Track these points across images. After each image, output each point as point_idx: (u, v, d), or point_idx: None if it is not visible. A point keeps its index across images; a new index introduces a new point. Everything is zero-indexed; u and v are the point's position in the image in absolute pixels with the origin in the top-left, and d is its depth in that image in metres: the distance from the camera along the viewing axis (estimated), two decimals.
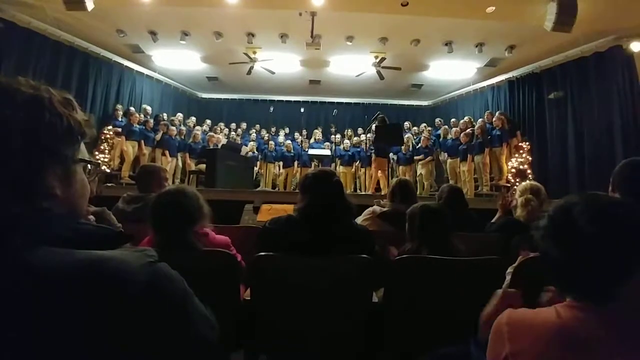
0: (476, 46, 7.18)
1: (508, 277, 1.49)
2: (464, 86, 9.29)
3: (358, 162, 8.24)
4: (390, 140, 6.26)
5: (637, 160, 1.54)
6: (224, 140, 7.79)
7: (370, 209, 2.41)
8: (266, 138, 9.17)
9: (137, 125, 7.24)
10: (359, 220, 2.30)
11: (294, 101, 10.53)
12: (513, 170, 6.74)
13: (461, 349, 1.01)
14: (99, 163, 5.39)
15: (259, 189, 7.68)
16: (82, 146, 0.58)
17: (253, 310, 1.49)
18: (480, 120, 7.46)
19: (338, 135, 9.04)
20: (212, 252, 1.51)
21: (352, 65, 8.22)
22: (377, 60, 7.77)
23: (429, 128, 8.29)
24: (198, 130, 8.24)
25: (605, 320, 0.65)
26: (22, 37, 6.21)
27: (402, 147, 7.49)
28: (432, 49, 7.43)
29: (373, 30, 6.84)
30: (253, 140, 8.76)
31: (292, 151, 8.54)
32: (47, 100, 0.51)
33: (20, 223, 0.45)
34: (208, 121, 9.27)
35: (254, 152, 8.25)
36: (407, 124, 8.71)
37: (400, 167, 7.81)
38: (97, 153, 6.61)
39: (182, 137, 7.88)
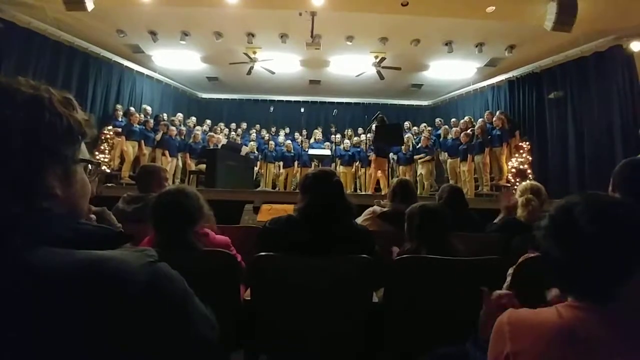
0: (476, 46, 7.18)
1: (509, 278, 1.49)
2: (464, 86, 9.29)
3: (358, 162, 8.24)
4: (390, 140, 6.26)
5: (637, 160, 1.54)
6: (224, 141, 7.79)
7: (371, 209, 2.41)
8: (266, 138, 9.18)
9: (137, 126, 7.24)
10: (359, 220, 2.30)
11: (294, 101, 10.53)
12: (513, 170, 6.74)
13: (461, 349, 1.01)
14: (100, 163, 5.41)
15: (259, 189, 7.68)
16: (83, 146, 0.58)
17: (253, 310, 1.49)
18: (480, 120, 7.46)
19: (338, 135, 9.04)
20: (213, 252, 1.51)
21: (352, 65, 8.22)
22: (377, 60, 7.77)
23: (429, 128, 8.29)
24: (198, 131, 8.25)
25: (606, 320, 0.65)
26: (22, 37, 6.22)
27: (403, 147, 7.49)
28: (432, 49, 7.43)
29: (373, 30, 6.84)
30: (253, 140, 8.76)
31: (292, 151, 8.54)
32: (47, 100, 0.51)
33: (20, 223, 0.45)
34: (208, 121, 9.28)
35: (254, 152, 8.26)
36: (407, 123, 8.71)
37: (401, 167, 7.81)
38: (97, 153, 6.62)
39: (182, 137, 7.88)
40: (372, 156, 6.99)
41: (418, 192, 5.82)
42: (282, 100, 10.65)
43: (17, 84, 0.50)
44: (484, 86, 8.76)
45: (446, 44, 7.17)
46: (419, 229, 1.67)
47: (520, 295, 0.94)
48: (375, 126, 6.26)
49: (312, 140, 8.96)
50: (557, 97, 7.19)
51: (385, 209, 2.37)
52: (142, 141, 7.21)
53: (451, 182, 6.80)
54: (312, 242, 1.47)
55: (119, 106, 7.55)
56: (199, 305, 0.56)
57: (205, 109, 10.59)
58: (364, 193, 6.84)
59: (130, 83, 8.39)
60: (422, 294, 1.51)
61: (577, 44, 6.52)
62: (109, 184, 6.07)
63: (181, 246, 1.43)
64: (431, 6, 5.86)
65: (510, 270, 1.54)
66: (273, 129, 9.72)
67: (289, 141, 8.77)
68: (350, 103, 10.72)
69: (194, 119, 9.03)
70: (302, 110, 8.68)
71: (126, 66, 8.22)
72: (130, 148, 7.11)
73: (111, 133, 7.04)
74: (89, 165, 0.60)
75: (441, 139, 7.85)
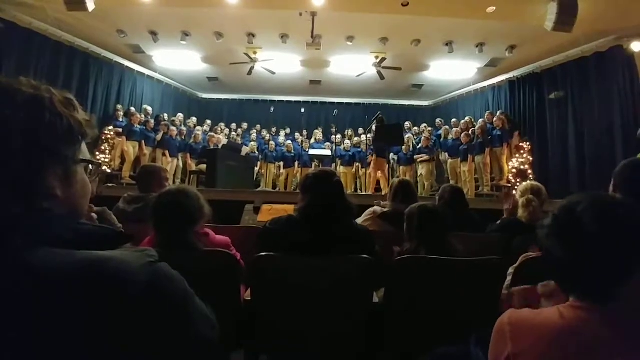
0: (477, 46, 7.17)
1: (509, 278, 1.49)
2: (464, 86, 9.29)
3: (359, 163, 8.24)
4: (391, 141, 6.26)
5: (637, 161, 1.55)
6: (224, 141, 7.79)
7: (371, 209, 2.41)
8: (267, 138, 9.18)
9: (138, 126, 7.25)
10: (360, 220, 2.30)
11: (295, 101, 10.52)
12: (514, 170, 6.73)
13: (461, 349, 1.01)
14: (100, 163, 5.41)
15: (259, 189, 7.68)
16: (84, 146, 0.58)
17: (253, 310, 1.49)
18: (480, 120, 7.46)
19: (339, 136, 9.04)
20: (213, 252, 1.51)
21: (353, 66, 8.22)
22: (378, 60, 7.77)
23: (430, 128, 8.29)
24: (199, 131, 8.26)
25: (607, 320, 0.65)
26: (22, 37, 6.22)
27: (403, 148, 7.49)
28: (432, 49, 7.43)
29: (373, 31, 6.84)
30: (254, 141, 8.77)
31: (292, 151, 8.54)
32: (47, 100, 0.51)
33: (20, 223, 0.45)
34: (208, 121, 9.29)
35: (254, 153, 8.26)
36: (407, 124, 8.71)
37: (401, 167, 7.81)
38: (97, 153, 6.62)
39: (183, 137, 7.89)
40: (370, 157, 7.00)
41: (418, 193, 5.82)
42: (283, 101, 10.66)
43: (18, 84, 0.50)
44: (485, 86, 8.76)
45: (447, 44, 7.17)
46: (419, 229, 1.67)
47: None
48: (376, 126, 6.26)
49: (312, 141, 8.97)
50: (558, 98, 7.18)
51: (385, 209, 2.37)
52: (143, 141, 7.21)
53: (452, 182, 6.80)
54: (312, 242, 1.47)
55: (119, 106, 7.57)
56: (200, 305, 0.56)
57: (206, 109, 10.60)
58: (364, 193, 6.84)
59: (130, 83, 8.40)
60: (423, 294, 1.51)
61: (578, 44, 6.52)
62: (110, 184, 6.07)
63: (181, 246, 1.43)
64: (431, 6, 5.86)
65: (511, 270, 1.54)
66: (273, 129, 9.72)
67: (289, 141, 8.77)
68: (351, 103, 10.72)
69: (194, 119, 9.04)
70: (303, 110, 8.67)
71: (127, 66, 8.23)
72: (130, 148, 7.12)
73: (112, 133, 7.04)
74: (90, 166, 0.60)
75: (442, 140, 7.86)
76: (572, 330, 0.65)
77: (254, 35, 7.10)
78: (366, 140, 7.39)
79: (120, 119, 7.31)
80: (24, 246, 0.43)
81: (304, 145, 8.73)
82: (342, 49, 7.50)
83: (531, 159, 6.83)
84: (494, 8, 5.71)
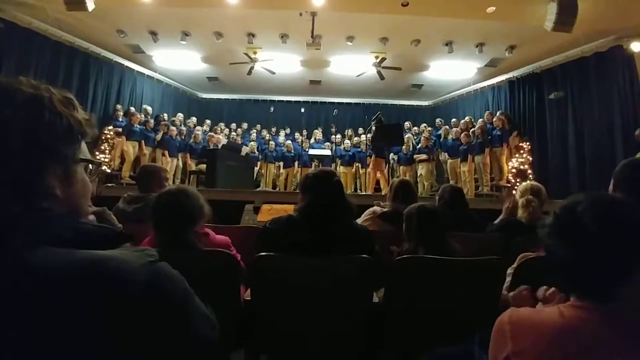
0: (476, 46, 7.18)
1: (508, 278, 1.49)
2: (464, 86, 9.29)
3: (358, 163, 8.24)
4: (391, 141, 6.26)
5: (637, 161, 1.55)
6: (224, 141, 7.79)
7: (371, 209, 2.41)
8: (267, 138, 9.17)
9: (138, 126, 7.24)
10: (360, 220, 2.30)
11: (295, 101, 10.52)
12: (513, 170, 6.74)
13: (461, 349, 1.01)
14: (100, 163, 5.40)
15: (259, 189, 7.68)
16: (84, 146, 0.58)
17: (253, 310, 1.49)
18: (480, 120, 7.46)
19: (338, 136, 9.04)
20: (213, 252, 1.51)
21: (353, 66, 8.22)
22: (378, 60, 7.77)
23: (430, 128, 8.28)
24: (199, 131, 8.25)
25: (607, 320, 0.66)
26: (22, 37, 6.22)
27: (403, 148, 7.49)
28: (432, 49, 7.43)
29: (373, 31, 6.84)
30: (253, 141, 8.77)
31: (292, 151, 8.53)
32: (47, 100, 0.51)
33: (20, 223, 0.45)
34: (208, 121, 9.29)
35: (254, 152, 8.25)
36: (407, 124, 8.71)
37: (401, 167, 7.81)
38: (97, 153, 6.62)
39: (183, 137, 7.89)
40: (369, 158, 7.00)
41: (418, 193, 5.82)
42: (283, 101, 10.66)
43: (18, 84, 0.50)
44: (484, 86, 8.76)
45: (446, 44, 7.17)
46: (418, 229, 1.67)
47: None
48: (375, 126, 6.26)
49: (312, 141, 8.97)
50: (558, 98, 7.18)
51: (385, 209, 2.37)
52: (143, 141, 7.20)
53: (451, 182, 6.80)
54: (312, 242, 1.47)
55: (119, 106, 7.56)
56: (200, 305, 0.56)
57: (206, 109, 10.60)
58: (364, 193, 6.84)
59: (130, 83, 8.40)
60: (423, 294, 1.51)
61: (578, 45, 6.52)
62: (109, 184, 6.08)
63: (181, 246, 1.43)
64: (431, 6, 5.86)
65: (510, 271, 1.54)
66: (273, 129, 9.72)
67: (289, 141, 8.76)
68: (351, 103, 10.72)
69: (194, 119, 9.04)
70: (303, 110, 8.67)
71: (127, 66, 8.23)
72: (130, 148, 7.11)
73: (112, 133, 7.04)
74: (90, 165, 0.59)
75: (441, 139, 7.85)
76: (572, 330, 0.65)
77: (253, 35, 7.10)
78: (366, 140, 7.39)
79: (120, 119, 7.31)
80: (24, 246, 0.43)
81: (303, 145, 8.73)
82: (342, 49, 7.50)
83: (531, 159, 6.83)
84: (494, 8, 5.71)
